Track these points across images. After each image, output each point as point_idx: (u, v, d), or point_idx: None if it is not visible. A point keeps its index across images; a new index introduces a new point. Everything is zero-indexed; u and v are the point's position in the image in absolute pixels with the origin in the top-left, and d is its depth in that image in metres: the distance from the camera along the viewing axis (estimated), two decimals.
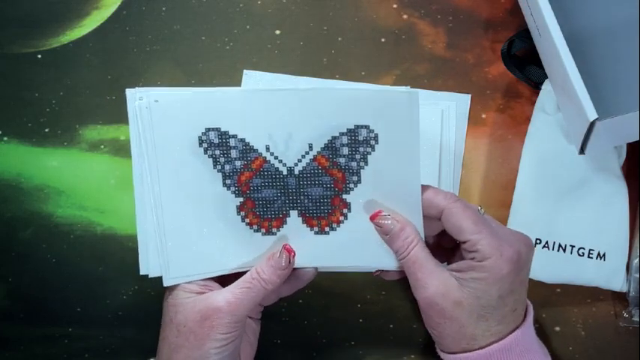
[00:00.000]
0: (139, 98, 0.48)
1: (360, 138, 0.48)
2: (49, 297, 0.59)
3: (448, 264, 0.50)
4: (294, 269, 0.51)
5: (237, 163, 0.49)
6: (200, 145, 0.49)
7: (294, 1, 0.58)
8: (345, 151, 0.49)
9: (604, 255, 0.55)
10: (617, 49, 0.53)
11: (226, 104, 0.48)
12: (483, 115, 0.58)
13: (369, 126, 0.48)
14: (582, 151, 0.49)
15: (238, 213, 0.50)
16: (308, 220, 0.50)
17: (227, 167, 0.49)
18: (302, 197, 0.50)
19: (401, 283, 0.59)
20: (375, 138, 0.48)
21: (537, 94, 0.56)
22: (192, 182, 0.49)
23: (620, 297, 0.58)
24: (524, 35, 0.56)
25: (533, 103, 0.57)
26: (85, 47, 0.58)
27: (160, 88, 0.50)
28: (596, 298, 0.59)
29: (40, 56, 0.58)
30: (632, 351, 0.59)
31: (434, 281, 0.46)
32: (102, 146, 0.58)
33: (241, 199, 0.50)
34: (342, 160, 0.49)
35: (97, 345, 0.59)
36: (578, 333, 0.59)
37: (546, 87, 0.55)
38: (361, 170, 0.49)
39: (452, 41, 0.58)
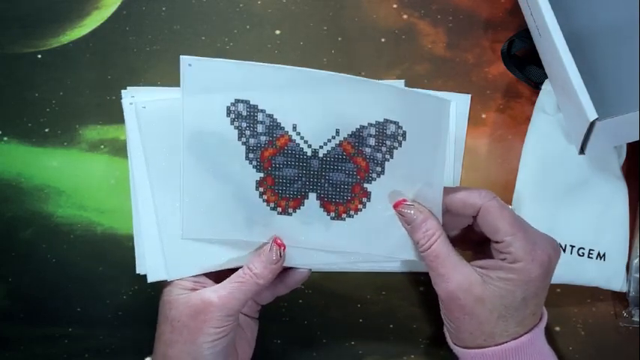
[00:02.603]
0: (130, 100, 0.49)
1: (388, 132, 0.48)
2: (49, 297, 0.59)
3: (473, 257, 0.50)
4: (289, 268, 0.51)
5: (263, 138, 0.49)
6: (228, 115, 0.49)
7: (294, 1, 0.58)
8: (372, 141, 0.49)
9: (604, 255, 0.55)
10: (617, 49, 0.53)
11: (259, 78, 0.48)
12: (483, 115, 0.58)
13: (398, 122, 0.48)
14: (582, 151, 0.49)
15: (257, 188, 0.50)
16: (326, 204, 0.50)
17: (252, 141, 0.49)
18: (323, 181, 0.49)
19: (401, 283, 0.59)
20: (403, 135, 0.48)
21: (537, 94, 0.56)
22: (214, 151, 0.49)
23: (620, 297, 0.58)
24: (524, 35, 0.56)
25: (533, 103, 0.57)
26: (85, 47, 0.58)
27: (154, 88, 0.50)
28: (596, 298, 0.59)
29: (40, 56, 0.58)
30: (632, 351, 0.58)
31: (457, 275, 0.46)
32: (102, 146, 0.58)
33: (261, 175, 0.49)
34: (367, 150, 0.49)
35: (97, 345, 0.59)
36: (578, 333, 0.59)
37: (546, 87, 0.55)
38: (386, 162, 0.49)
39: (452, 41, 0.58)
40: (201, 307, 0.47)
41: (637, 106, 0.46)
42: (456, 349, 0.49)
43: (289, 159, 0.49)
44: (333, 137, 0.49)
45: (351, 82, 0.48)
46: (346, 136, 0.49)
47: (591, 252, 0.56)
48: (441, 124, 0.48)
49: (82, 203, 0.59)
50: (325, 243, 0.50)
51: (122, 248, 0.58)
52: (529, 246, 0.46)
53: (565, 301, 0.59)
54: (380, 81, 0.56)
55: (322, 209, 0.50)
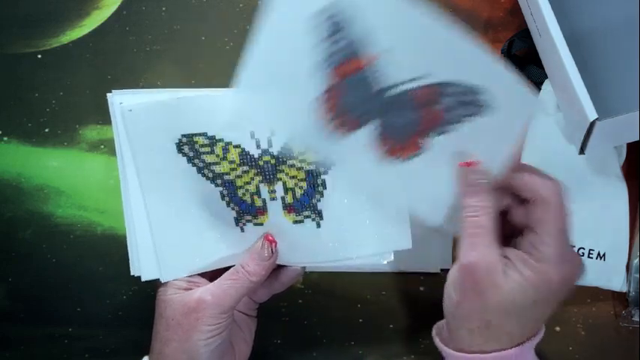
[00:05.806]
0: (119, 103, 0.49)
1: (468, 99, 0.45)
2: (49, 297, 0.59)
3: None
4: (283, 266, 0.51)
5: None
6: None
7: None
8: (451, 101, 0.45)
9: (604, 255, 0.55)
10: (617, 49, 0.53)
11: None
12: None
13: (485, 97, 0.45)
14: (582, 151, 0.49)
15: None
16: (384, 138, 0.47)
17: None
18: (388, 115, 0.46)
19: (401, 283, 0.59)
20: (483, 110, 0.45)
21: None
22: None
23: (620, 297, 0.58)
24: (524, 35, 0.56)
25: None
26: (85, 47, 0.58)
27: (141, 90, 0.50)
28: (596, 298, 0.59)
29: (40, 56, 0.58)
30: (632, 351, 0.58)
31: (486, 252, 0.44)
32: (102, 146, 0.58)
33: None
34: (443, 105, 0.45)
35: (97, 345, 0.59)
36: (578, 333, 0.59)
37: (546, 87, 0.55)
38: (450, 126, 0.46)
39: None
40: (195, 305, 0.48)
41: (637, 106, 0.46)
42: (446, 352, 0.48)
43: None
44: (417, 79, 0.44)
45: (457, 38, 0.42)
46: (429, 83, 0.44)
47: (591, 252, 0.56)
48: (523, 120, 0.45)
49: (82, 203, 0.59)
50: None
51: (122, 248, 0.58)
52: (562, 253, 0.44)
53: (565, 301, 0.59)
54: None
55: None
